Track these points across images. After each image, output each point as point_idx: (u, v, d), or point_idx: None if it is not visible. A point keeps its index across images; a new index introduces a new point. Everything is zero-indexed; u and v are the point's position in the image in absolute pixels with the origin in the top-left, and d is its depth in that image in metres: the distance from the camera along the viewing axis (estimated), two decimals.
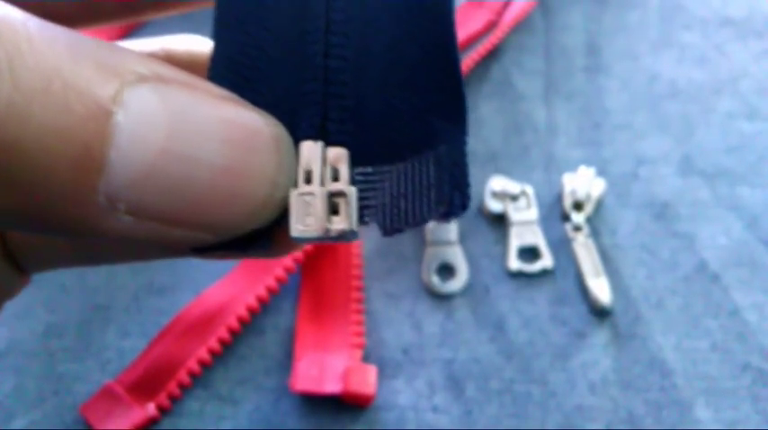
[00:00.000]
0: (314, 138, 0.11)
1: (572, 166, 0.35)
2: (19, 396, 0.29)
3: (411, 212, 0.12)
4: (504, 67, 0.40)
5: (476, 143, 0.36)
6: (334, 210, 0.11)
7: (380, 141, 0.12)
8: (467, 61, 0.38)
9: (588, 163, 0.35)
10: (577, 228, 0.33)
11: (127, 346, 0.30)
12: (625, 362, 0.29)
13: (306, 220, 0.11)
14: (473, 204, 0.34)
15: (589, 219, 0.33)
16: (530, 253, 0.33)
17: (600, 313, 0.30)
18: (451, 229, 0.33)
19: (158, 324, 0.30)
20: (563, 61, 0.41)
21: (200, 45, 0.16)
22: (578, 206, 0.33)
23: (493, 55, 0.41)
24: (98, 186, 0.09)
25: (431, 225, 0.33)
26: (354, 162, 0.12)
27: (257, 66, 0.12)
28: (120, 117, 0.09)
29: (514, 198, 0.34)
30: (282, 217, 0.11)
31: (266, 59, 0.12)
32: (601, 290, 0.30)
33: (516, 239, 0.33)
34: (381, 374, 0.29)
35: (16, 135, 0.09)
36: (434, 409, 0.28)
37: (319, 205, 0.11)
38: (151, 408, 0.28)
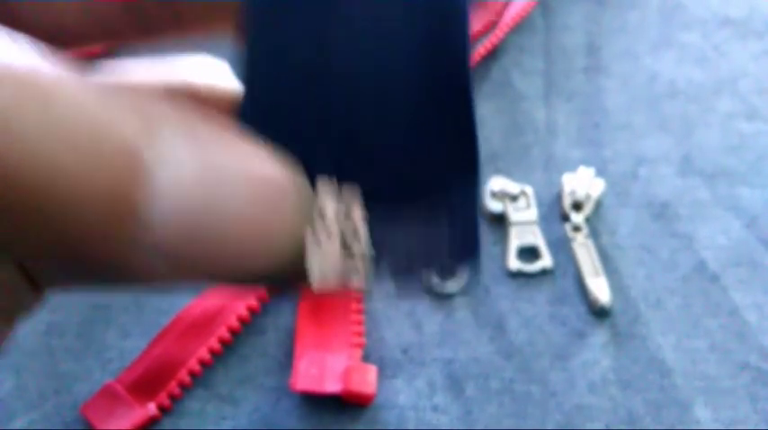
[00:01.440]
0: (330, 179, 0.12)
1: (572, 166, 0.35)
2: (20, 395, 0.29)
3: (423, 258, 0.12)
4: (503, 67, 0.40)
5: None
6: (349, 251, 0.12)
7: (396, 187, 0.12)
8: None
9: (588, 163, 0.35)
10: (577, 228, 0.33)
11: (127, 346, 0.30)
12: (624, 361, 0.29)
13: (323, 264, 0.11)
14: None
15: (588, 219, 0.33)
16: (529, 253, 0.33)
17: (599, 313, 0.30)
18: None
19: (159, 323, 0.30)
20: (563, 61, 0.41)
21: (219, 74, 0.16)
22: (578, 206, 0.33)
23: (493, 55, 0.41)
24: (132, 235, 0.10)
25: None
26: (370, 201, 0.12)
27: (282, 105, 0.12)
28: (156, 169, 0.10)
29: (514, 198, 0.34)
30: (300, 263, 0.11)
31: (291, 99, 0.12)
32: (600, 289, 0.30)
33: (516, 239, 0.33)
34: (381, 374, 0.29)
35: (52, 185, 0.09)
36: (434, 409, 0.28)
37: (335, 246, 0.11)
38: (152, 408, 0.28)
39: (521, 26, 0.42)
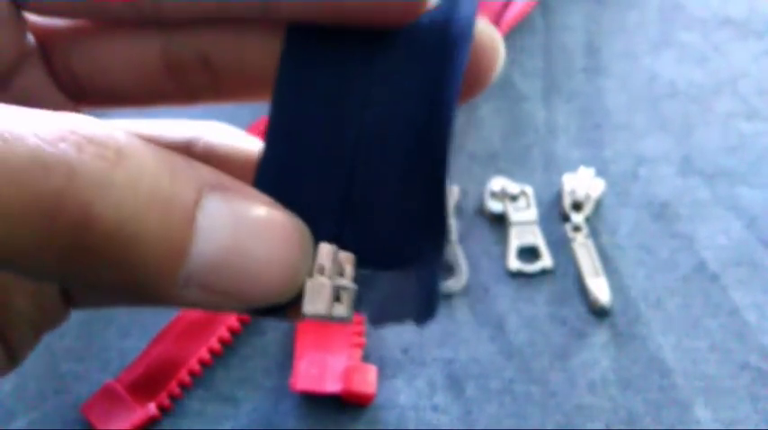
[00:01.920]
0: (330, 241, 0.15)
1: (572, 166, 0.35)
2: (20, 395, 0.29)
3: (392, 312, 0.15)
4: (503, 67, 0.40)
5: (476, 143, 0.36)
6: (337, 298, 0.14)
7: (380, 253, 0.15)
8: None
9: (588, 163, 0.35)
10: (577, 228, 0.33)
11: (128, 346, 0.30)
12: (624, 361, 0.29)
13: (315, 303, 0.14)
14: (473, 204, 0.34)
15: (588, 219, 0.33)
16: (529, 253, 0.33)
17: (599, 313, 0.30)
18: (452, 229, 0.33)
19: (159, 323, 0.30)
20: (563, 61, 0.41)
21: (232, 139, 0.19)
22: (578, 206, 0.33)
23: None
24: (180, 271, 0.12)
25: None
26: (358, 264, 0.15)
27: (297, 176, 0.16)
28: (200, 220, 0.13)
29: (514, 198, 0.34)
30: (298, 296, 0.14)
31: (304, 172, 0.16)
32: (600, 289, 0.30)
33: (516, 239, 0.33)
34: (381, 374, 0.29)
35: (132, 234, 0.12)
36: (434, 409, 0.28)
37: (327, 294, 0.14)
38: (152, 408, 0.28)
39: (521, 26, 0.42)
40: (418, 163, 0.15)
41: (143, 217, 0.12)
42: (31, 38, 0.17)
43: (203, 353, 0.29)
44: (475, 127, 0.37)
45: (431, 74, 0.16)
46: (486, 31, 0.16)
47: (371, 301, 0.15)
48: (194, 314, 0.30)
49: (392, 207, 0.15)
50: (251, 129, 0.35)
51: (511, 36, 0.41)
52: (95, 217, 0.11)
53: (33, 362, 0.30)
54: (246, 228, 0.13)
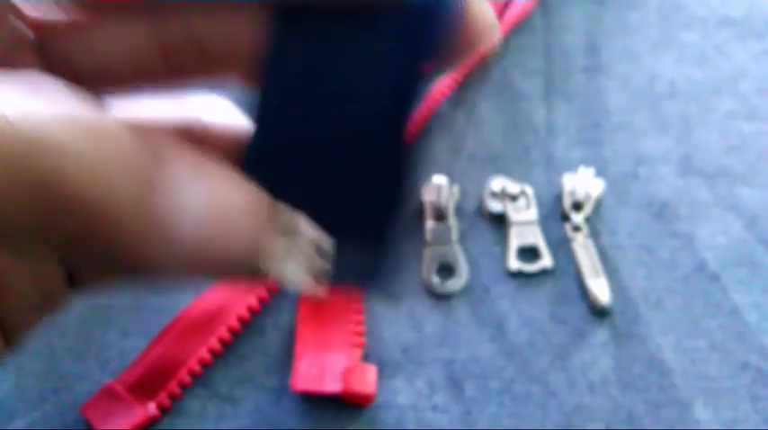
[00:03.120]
0: (296, 209, 0.15)
1: (572, 166, 0.35)
2: (19, 395, 0.29)
3: (345, 280, 0.16)
4: (504, 67, 0.40)
5: (476, 143, 0.36)
6: (300, 264, 0.15)
7: (344, 222, 0.16)
8: (468, 62, 0.38)
9: (588, 163, 0.35)
10: (577, 228, 0.33)
11: (127, 346, 0.30)
12: (624, 361, 0.29)
13: (291, 276, 0.15)
14: (473, 204, 0.34)
15: (588, 219, 0.33)
16: (529, 253, 0.33)
17: (599, 313, 0.30)
18: (452, 230, 0.33)
19: (159, 323, 0.30)
20: (563, 61, 0.41)
21: (226, 112, 0.19)
22: (578, 206, 0.33)
23: (493, 55, 0.41)
24: (156, 235, 0.13)
25: (430, 224, 0.33)
26: (322, 232, 0.16)
27: (279, 152, 0.16)
28: (171, 187, 0.13)
29: (514, 198, 0.34)
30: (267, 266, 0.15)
31: (286, 147, 0.16)
32: (600, 289, 0.30)
33: (516, 239, 0.33)
34: (381, 374, 0.29)
35: (101, 194, 0.12)
36: (434, 409, 0.28)
37: (292, 259, 0.15)
38: (151, 408, 0.28)
39: (521, 26, 0.42)
40: (381, 132, 0.16)
41: (109, 178, 0.12)
42: (23, 26, 0.17)
43: (203, 352, 0.29)
44: (475, 127, 0.37)
45: (406, 46, 0.16)
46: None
47: (330, 270, 0.16)
48: (194, 314, 0.30)
49: (355, 177, 0.16)
50: None
51: (511, 36, 0.41)
52: (61, 176, 0.12)
53: (33, 362, 0.30)
54: (223, 205, 0.14)
